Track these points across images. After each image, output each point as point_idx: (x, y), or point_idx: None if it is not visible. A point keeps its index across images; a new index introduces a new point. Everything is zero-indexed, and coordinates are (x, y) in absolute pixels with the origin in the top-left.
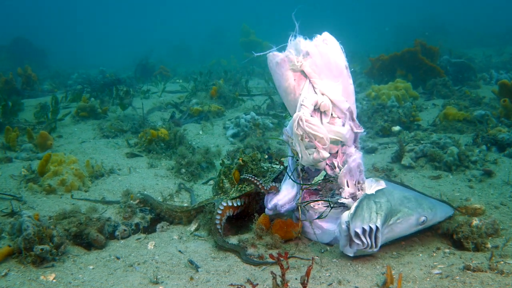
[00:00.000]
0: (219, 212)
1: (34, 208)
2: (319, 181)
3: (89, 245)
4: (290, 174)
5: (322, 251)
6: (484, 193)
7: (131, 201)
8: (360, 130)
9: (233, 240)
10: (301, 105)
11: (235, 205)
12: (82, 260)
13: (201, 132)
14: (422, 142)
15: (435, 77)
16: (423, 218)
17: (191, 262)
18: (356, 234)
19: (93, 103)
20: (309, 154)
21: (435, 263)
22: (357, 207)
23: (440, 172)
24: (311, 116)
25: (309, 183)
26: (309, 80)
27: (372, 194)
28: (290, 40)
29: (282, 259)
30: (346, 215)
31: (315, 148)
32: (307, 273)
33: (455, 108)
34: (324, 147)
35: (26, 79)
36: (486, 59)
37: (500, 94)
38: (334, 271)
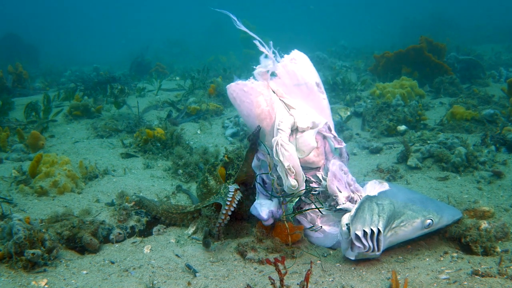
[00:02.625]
0: (231, 194)
1: (25, 210)
2: (307, 193)
3: (82, 249)
4: (271, 192)
5: (325, 255)
6: (493, 195)
7: (126, 203)
8: (341, 145)
9: (233, 244)
10: (278, 129)
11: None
12: (75, 264)
13: (199, 132)
14: (428, 142)
15: (442, 75)
16: (428, 221)
17: (188, 266)
18: (357, 237)
19: (86, 102)
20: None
21: (442, 268)
22: (357, 209)
23: (447, 173)
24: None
25: (288, 196)
26: (282, 101)
27: (374, 196)
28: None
29: (279, 264)
30: (346, 217)
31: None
32: (306, 278)
33: (463, 107)
34: (293, 175)
35: (17, 77)
36: (495, 56)
37: (509, 93)
38: (338, 276)
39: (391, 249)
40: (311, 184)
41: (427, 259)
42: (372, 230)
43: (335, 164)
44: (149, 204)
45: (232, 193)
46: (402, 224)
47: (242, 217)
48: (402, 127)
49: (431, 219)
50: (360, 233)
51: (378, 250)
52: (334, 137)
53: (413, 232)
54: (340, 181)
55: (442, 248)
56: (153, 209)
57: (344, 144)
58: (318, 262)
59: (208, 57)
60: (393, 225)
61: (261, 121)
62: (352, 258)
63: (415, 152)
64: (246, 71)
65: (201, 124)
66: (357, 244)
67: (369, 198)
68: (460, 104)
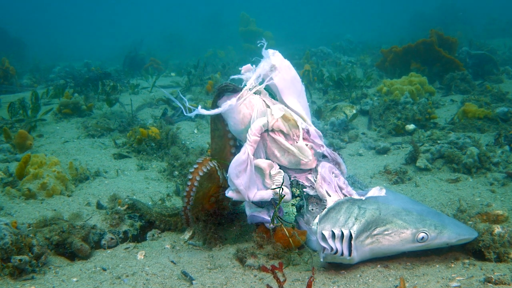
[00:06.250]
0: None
1: (12, 214)
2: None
3: (72, 255)
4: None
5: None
6: (507, 198)
7: (119, 207)
8: (322, 149)
9: (232, 250)
10: (247, 139)
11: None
12: (64, 271)
13: (196, 131)
14: (439, 142)
15: (453, 71)
16: (422, 235)
17: (185, 273)
18: (324, 238)
19: (77, 99)
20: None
21: (453, 275)
22: (330, 208)
23: (458, 175)
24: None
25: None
26: (263, 100)
27: (359, 199)
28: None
29: (277, 271)
30: (318, 216)
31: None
32: (309, 286)
33: (475, 104)
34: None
35: (3, 73)
36: (509, 50)
37: None
38: (342, 283)
39: (399, 256)
40: (304, 189)
41: (437, 265)
42: (343, 232)
43: (324, 167)
44: (142, 207)
45: (196, 166)
46: (386, 232)
47: (222, 213)
48: (410, 126)
49: (425, 233)
50: (327, 233)
51: (350, 254)
52: (313, 142)
53: (402, 244)
54: (330, 184)
55: (453, 254)
56: (147, 213)
57: (325, 148)
58: (322, 269)
59: (206, 51)
60: (374, 232)
61: (246, 126)
62: (321, 260)
63: (424, 153)
64: None
65: (198, 123)
66: (323, 244)
67: (350, 200)
68: (472, 101)
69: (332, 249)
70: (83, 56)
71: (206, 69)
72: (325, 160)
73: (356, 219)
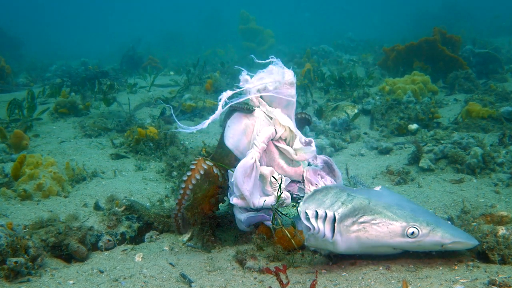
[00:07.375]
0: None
1: (8, 216)
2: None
3: (69, 257)
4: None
5: (331, 263)
6: None
7: (116, 208)
8: (315, 161)
9: (231, 251)
10: (253, 144)
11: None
12: (61, 274)
13: (194, 131)
14: (442, 142)
15: (457, 69)
16: (412, 230)
17: (183, 276)
18: (307, 217)
19: (73, 99)
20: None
21: (456, 278)
22: (317, 190)
23: (462, 175)
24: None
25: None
26: (263, 111)
27: (350, 188)
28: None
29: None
30: (304, 197)
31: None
32: None
33: (479, 104)
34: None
35: None
36: None
37: None
38: (344, 286)
39: (402, 258)
40: (299, 201)
41: (440, 267)
42: (327, 213)
43: (308, 171)
44: (140, 208)
45: (189, 174)
46: (374, 222)
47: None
48: (413, 126)
49: (416, 228)
50: (310, 213)
51: (332, 237)
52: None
53: (391, 236)
54: (317, 186)
55: (457, 256)
56: (145, 214)
57: (317, 160)
58: (323, 271)
59: (205, 50)
60: (361, 220)
61: (248, 136)
62: (306, 243)
63: (427, 153)
64: (245, 66)
65: (197, 123)
66: (306, 223)
67: (341, 187)
68: (476, 101)
69: (314, 228)
70: (80, 54)
71: (205, 67)
72: (312, 167)
73: (342, 203)
